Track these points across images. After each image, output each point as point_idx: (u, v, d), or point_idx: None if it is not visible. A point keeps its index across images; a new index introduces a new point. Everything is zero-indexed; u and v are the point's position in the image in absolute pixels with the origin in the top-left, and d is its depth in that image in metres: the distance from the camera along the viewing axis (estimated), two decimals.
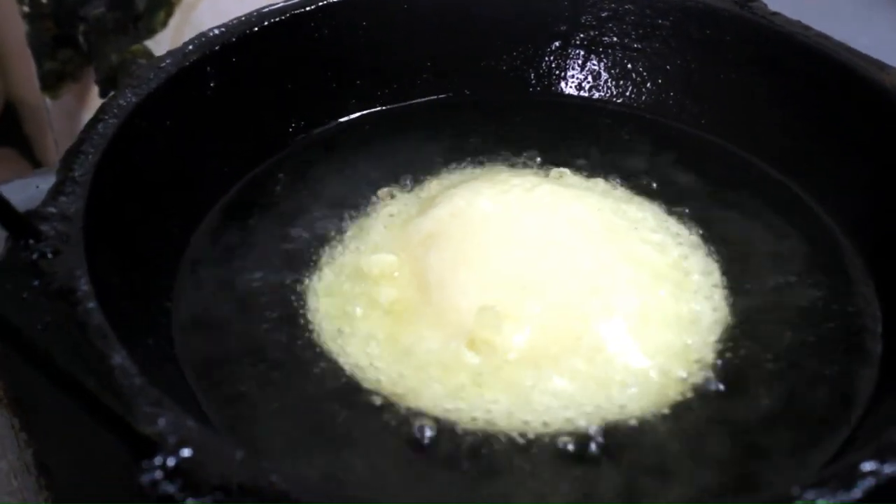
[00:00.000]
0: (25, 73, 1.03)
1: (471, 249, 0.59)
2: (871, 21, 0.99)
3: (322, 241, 0.64)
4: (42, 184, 0.77)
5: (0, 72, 1.11)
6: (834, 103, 0.67)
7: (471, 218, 0.61)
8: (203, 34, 0.67)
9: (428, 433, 0.52)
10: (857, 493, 0.41)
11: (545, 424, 0.53)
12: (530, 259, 0.59)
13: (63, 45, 1.02)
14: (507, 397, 0.54)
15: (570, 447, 0.51)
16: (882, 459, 0.42)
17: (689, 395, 0.55)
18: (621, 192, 0.68)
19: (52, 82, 1.04)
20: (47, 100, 1.03)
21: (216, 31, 0.67)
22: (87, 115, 1.04)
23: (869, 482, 0.41)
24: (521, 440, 0.52)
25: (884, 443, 0.43)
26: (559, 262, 0.59)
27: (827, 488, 0.40)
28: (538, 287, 0.57)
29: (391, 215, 0.65)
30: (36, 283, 0.49)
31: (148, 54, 0.99)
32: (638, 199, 0.67)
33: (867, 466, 0.42)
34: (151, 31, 1.05)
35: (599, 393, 0.54)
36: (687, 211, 0.66)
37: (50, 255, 0.50)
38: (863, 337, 0.59)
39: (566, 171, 0.69)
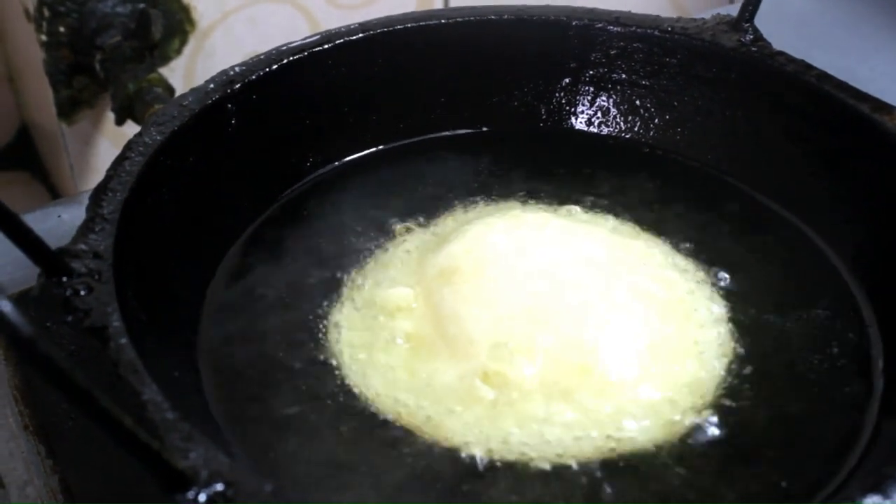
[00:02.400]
0: (42, 99, 1.05)
1: (484, 284, 0.61)
2: (874, 53, 1.01)
3: (342, 275, 0.66)
4: (64, 213, 0.79)
5: (16, 97, 1.13)
6: (835, 142, 0.69)
7: (484, 254, 0.63)
8: (224, 72, 0.69)
9: (447, 465, 0.54)
10: None
11: (558, 456, 0.55)
12: (541, 294, 0.61)
13: (79, 72, 1.04)
14: (521, 429, 0.56)
15: (583, 479, 0.53)
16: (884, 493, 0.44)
17: (697, 427, 0.57)
18: (629, 228, 0.70)
19: (68, 109, 1.05)
20: (63, 126, 1.05)
21: (237, 69, 0.69)
22: (103, 141, 1.07)
23: None
24: (534, 470, 0.54)
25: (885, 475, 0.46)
26: (569, 298, 0.61)
27: None
28: (549, 322, 0.59)
29: (408, 251, 0.67)
30: (69, 318, 0.51)
31: (164, 82, 1.00)
32: (645, 235, 0.69)
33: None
34: (165, 59, 1.07)
35: (609, 425, 0.56)
36: (693, 246, 0.68)
37: (83, 293, 0.52)
38: (865, 369, 0.61)
39: (576, 208, 0.71)
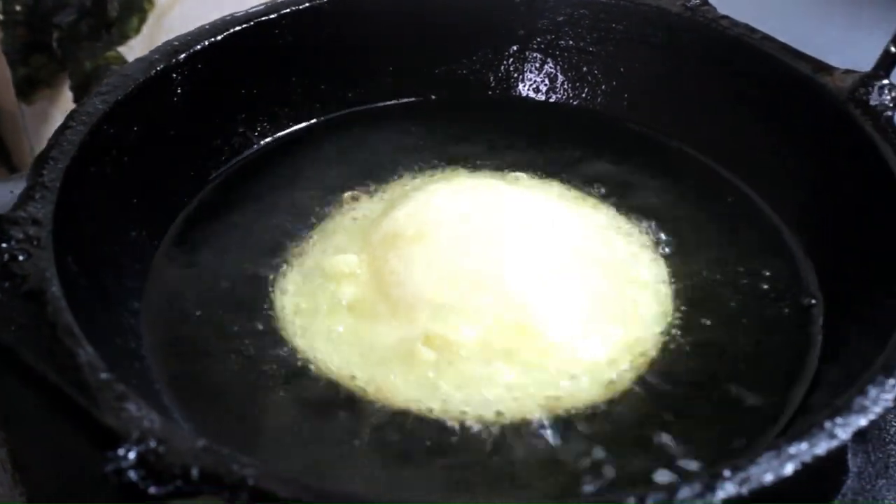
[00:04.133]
0: (1, 79, 1.05)
1: (426, 248, 0.62)
2: (822, 22, 1.02)
3: (288, 242, 0.66)
4: (16, 189, 0.79)
5: None
6: (779, 103, 0.70)
7: (427, 218, 0.64)
8: (168, 42, 0.69)
9: (386, 423, 0.55)
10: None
11: (498, 414, 0.55)
12: (483, 257, 0.61)
13: (37, 51, 1.03)
14: (461, 390, 0.56)
15: (523, 435, 0.54)
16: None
17: (635, 384, 0.57)
18: (575, 193, 0.70)
19: (26, 88, 1.05)
20: (22, 105, 1.05)
21: (181, 40, 0.69)
22: (62, 120, 1.06)
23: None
24: (475, 429, 0.55)
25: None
26: (511, 260, 0.61)
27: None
28: (490, 284, 0.60)
29: (354, 218, 0.68)
30: (6, 284, 0.51)
31: (121, 60, 1.00)
32: (591, 200, 0.70)
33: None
34: (125, 37, 1.06)
35: (549, 384, 0.57)
36: (637, 210, 0.69)
37: (21, 258, 0.52)
38: (805, 324, 0.62)
39: (522, 174, 0.71)
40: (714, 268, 0.65)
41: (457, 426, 0.55)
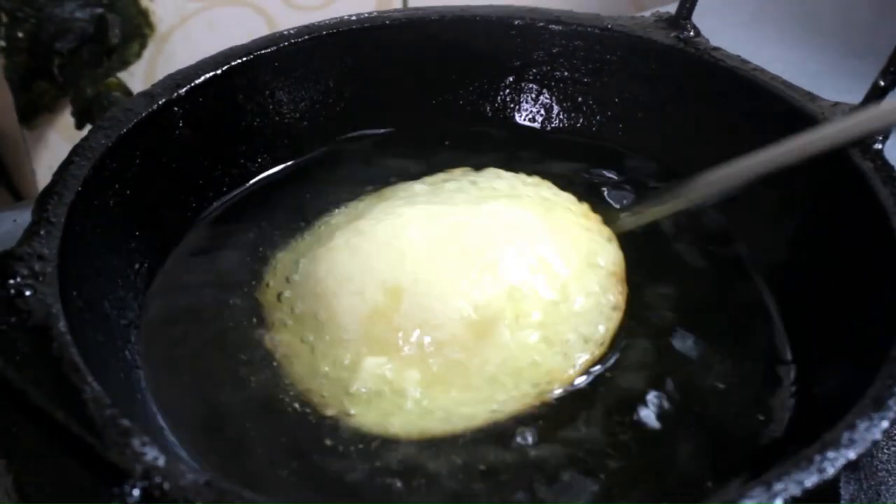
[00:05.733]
0: (3, 105, 1.06)
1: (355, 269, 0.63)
2: (813, 52, 1.04)
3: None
4: (19, 217, 0.80)
5: None
6: (770, 132, 0.71)
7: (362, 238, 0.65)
8: (169, 76, 0.70)
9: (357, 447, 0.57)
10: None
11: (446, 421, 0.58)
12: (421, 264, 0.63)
13: (39, 77, 1.04)
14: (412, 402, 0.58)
15: (481, 435, 0.57)
16: None
17: (589, 379, 0.61)
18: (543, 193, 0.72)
19: (28, 114, 1.06)
20: (24, 131, 1.06)
21: (183, 73, 0.70)
22: (63, 144, 1.07)
23: None
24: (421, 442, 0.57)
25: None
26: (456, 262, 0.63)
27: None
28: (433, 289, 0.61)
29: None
30: (12, 320, 0.52)
31: (122, 86, 1.01)
32: (558, 201, 0.71)
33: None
34: (125, 63, 1.07)
35: (500, 391, 0.59)
36: (597, 215, 0.71)
37: (27, 294, 0.53)
38: (755, 328, 0.65)
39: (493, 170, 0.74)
40: (670, 274, 0.68)
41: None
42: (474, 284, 0.61)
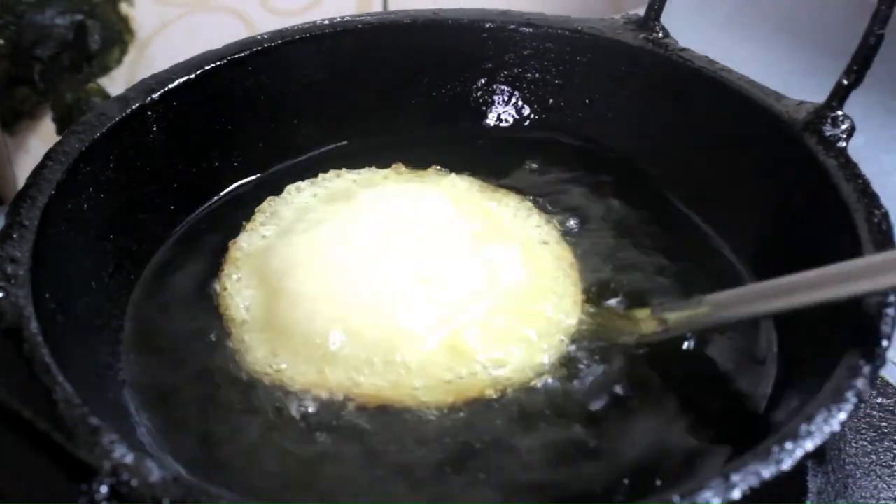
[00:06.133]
0: None
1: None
2: (782, 54, 1.05)
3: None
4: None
5: None
6: (734, 130, 0.72)
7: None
8: (143, 80, 0.71)
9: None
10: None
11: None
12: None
13: (19, 83, 1.04)
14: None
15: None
16: None
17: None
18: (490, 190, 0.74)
19: (9, 120, 1.06)
20: (6, 137, 1.06)
21: (157, 78, 0.71)
22: (44, 150, 1.08)
23: None
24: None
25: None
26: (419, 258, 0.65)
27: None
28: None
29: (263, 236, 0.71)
30: None
31: (102, 92, 1.02)
32: (512, 200, 0.73)
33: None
34: (106, 69, 1.07)
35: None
36: (552, 207, 0.73)
37: None
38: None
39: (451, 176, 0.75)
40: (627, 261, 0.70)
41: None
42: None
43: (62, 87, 1.05)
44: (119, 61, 1.07)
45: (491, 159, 0.78)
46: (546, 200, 0.73)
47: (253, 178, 0.77)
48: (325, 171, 0.76)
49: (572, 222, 0.72)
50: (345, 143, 0.81)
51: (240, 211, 0.73)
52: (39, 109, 1.06)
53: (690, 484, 0.46)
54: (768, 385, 0.61)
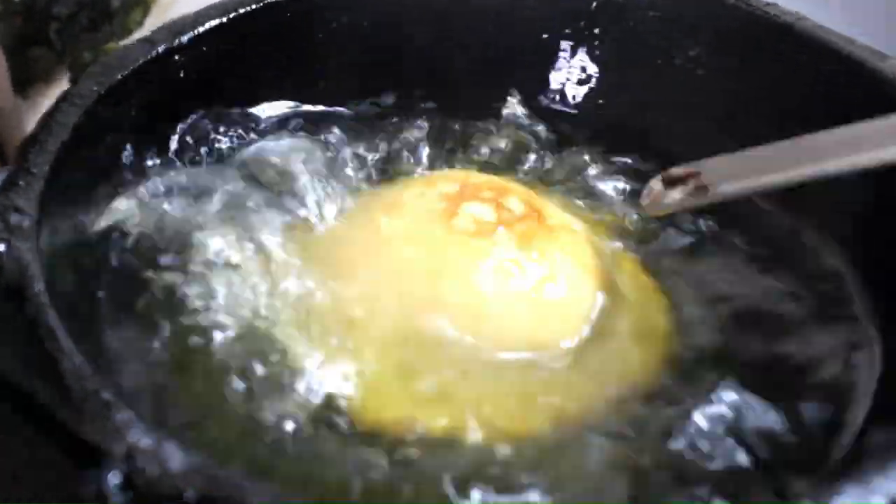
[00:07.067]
0: None
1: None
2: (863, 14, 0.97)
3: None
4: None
5: None
6: (833, 93, 0.65)
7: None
8: (172, 22, 0.64)
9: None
10: None
11: None
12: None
13: (34, 43, 0.99)
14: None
15: None
16: None
17: None
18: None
19: (23, 81, 1.01)
20: (18, 99, 1.01)
21: (186, 20, 0.64)
22: None
23: None
24: None
25: None
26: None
27: None
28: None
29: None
30: None
31: None
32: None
33: None
34: (126, 30, 1.03)
35: None
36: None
37: (1, 249, 0.47)
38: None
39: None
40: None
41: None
42: None
43: (80, 47, 1.00)
44: (140, 23, 1.02)
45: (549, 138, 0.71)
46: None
47: (282, 121, 0.70)
48: (361, 125, 0.70)
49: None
50: (385, 99, 0.73)
51: (267, 160, 0.65)
52: (55, 71, 1.01)
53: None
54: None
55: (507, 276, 0.56)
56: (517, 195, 0.61)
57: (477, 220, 0.58)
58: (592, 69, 0.74)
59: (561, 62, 0.74)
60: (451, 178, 0.63)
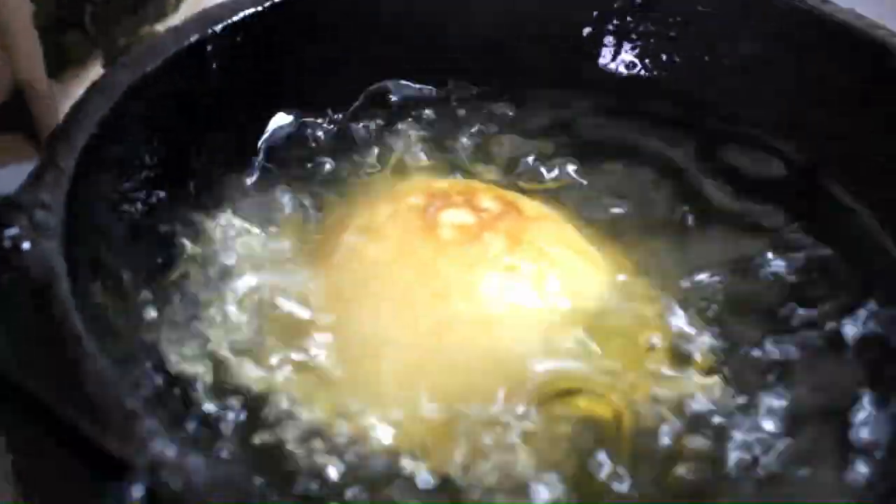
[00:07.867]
0: (31, 56, 1.00)
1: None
2: None
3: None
4: None
5: (6, 55, 1.08)
6: (866, 84, 0.63)
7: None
8: (205, 10, 0.62)
9: None
10: None
11: None
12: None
13: (69, 27, 0.99)
14: None
15: None
16: None
17: None
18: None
19: (57, 66, 1.00)
20: (53, 84, 1.00)
21: (220, 8, 0.63)
22: None
23: None
24: None
25: None
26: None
27: None
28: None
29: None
30: (5, 277, 0.44)
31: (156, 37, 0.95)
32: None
33: None
34: (162, 16, 1.02)
35: None
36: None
37: (25, 247, 0.45)
38: None
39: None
40: None
41: None
42: None
43: (115, 31, 0.99)
44: (176, 7, 1.01)
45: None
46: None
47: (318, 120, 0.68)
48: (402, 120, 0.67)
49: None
50: (426, 90, 0.71)
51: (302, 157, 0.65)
52: (89, 56, 1.00)
53: None
54: None
55: (515, 277, 0.54)
56: (485, 193, 0.59)
57: (458, 227, 0.55)
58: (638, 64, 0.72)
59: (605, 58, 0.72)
60: (414, 190, 0.60)
